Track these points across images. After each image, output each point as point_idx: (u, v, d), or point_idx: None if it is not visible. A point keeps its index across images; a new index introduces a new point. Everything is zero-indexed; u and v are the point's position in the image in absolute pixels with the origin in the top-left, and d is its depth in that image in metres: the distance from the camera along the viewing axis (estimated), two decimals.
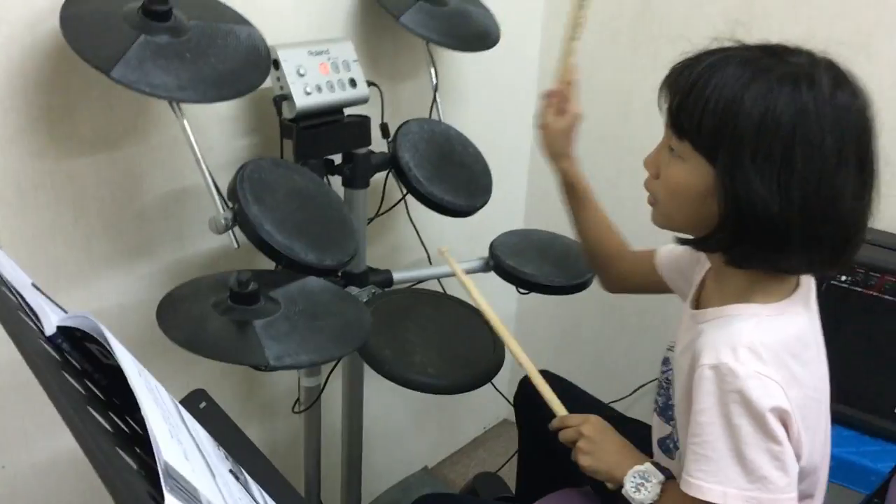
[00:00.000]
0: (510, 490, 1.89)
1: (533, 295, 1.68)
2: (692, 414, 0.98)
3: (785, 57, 0.95)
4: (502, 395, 2.13)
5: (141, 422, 0.54)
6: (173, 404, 0.67)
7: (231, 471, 0.71)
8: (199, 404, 0.98)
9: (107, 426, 0.54)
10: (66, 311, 0.77)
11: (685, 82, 0.96)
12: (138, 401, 0.53)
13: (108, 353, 0.61)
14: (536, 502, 1.45)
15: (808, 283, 1.07)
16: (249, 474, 0.81)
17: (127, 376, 0.55)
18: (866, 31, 1.66)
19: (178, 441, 0.57)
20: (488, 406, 2.46)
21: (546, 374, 1.33)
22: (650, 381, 2.13)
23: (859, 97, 0.94)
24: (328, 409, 1.72)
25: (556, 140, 1.38)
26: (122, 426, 0.60)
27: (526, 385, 1.54)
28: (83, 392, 0.58)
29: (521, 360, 1.28)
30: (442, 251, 1.38)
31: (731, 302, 1.03)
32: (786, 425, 0.94)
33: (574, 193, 1.41)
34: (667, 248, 1.32)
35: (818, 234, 0.94)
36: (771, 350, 0.95)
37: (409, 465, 2.25)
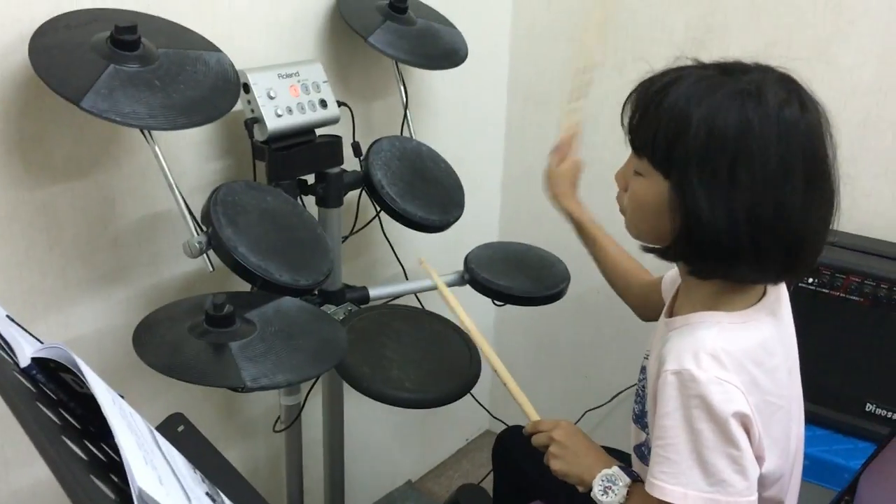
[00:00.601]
0: (492, 502, 1.90)
1: (509, 306, 1.71)
2: (656, 418, 1.00)
3: (739, 74, 0.97)
4: (482, 407, 2.15)
5: (117, 448, 0.56)
6: (148, 430, 0.68)
7: (208, 493, 0.73)
8: (177, 428, 0.99)
9: (81, 454, 0.56)
10: (41, 342, 0.78)
11: (641, 101, 1.00)
12: (112, 428, 0.55)
13: (83, 382, 0.63)
14: None
15: (777, 292, 1.10)
16: (228, 496, 0.82)
17: (100, 405, 0.56)
18: (825, 39, 1.70)
19: (152, 467, 0.58)
20: (469, 417, 2.48)
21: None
22: (628, 388, 2.16)
23: (810, 112, 0.96)
24: (309, 427, 1.73)
25: (558, 183, 1.48)
26: (98, 454, 0.61)
27: (504, 440, 1.60)
28: (58, 422, 0.59)
29: (495, 365, 1.30)
30: (421, 261, 1.41)
31: (698, 310, 1.05)
32: (747, 430, 0.97)
33: (584, 234, 1.47)
34: (670, 273, 1.36)
35: (767, 247, 0.96)
36: (732, 357, 0.97)
37: (392, 479, 2.26)
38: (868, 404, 1.62)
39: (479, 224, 2.24)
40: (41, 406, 0.58)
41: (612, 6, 1.50)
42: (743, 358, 0.99)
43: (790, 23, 1.72)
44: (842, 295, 1.60)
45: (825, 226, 1.00)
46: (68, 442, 0.55)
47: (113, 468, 0.60)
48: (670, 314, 1.15)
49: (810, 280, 1.61)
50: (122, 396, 1.14)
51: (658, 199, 1.00)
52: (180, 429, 0.99)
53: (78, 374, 0.61)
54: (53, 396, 0.66)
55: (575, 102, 1.50)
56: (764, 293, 1.07)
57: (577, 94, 1.50)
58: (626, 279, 1.45)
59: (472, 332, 1.32)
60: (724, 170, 0.93)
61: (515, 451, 1.56)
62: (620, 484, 1.08)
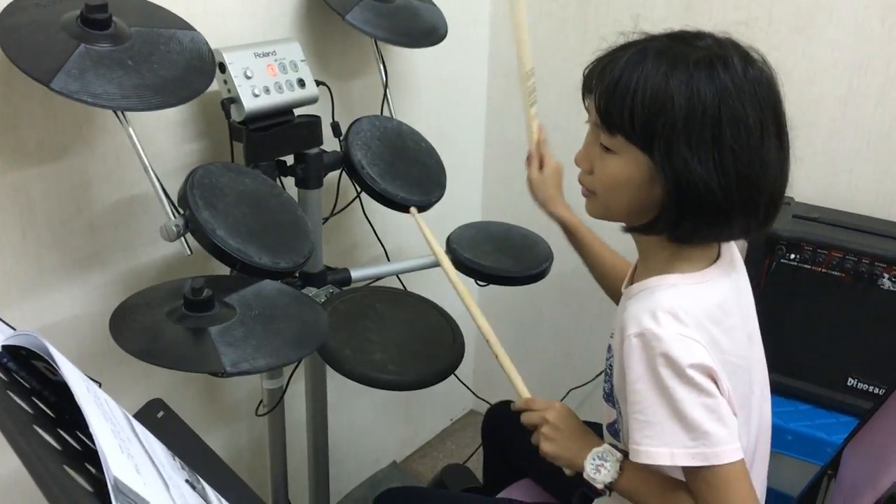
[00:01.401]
0: (478, 480, 1.90)
1: (492, 286, 1.70)
2: (627, 385, 1.01)
3: (692, 42, 1.00)
4: (466, 387, 2.15)
5: (92, 437, 0.54)
6: (124, 417, 0.67)
7: (188, 480, 0.71)
8: (156, 414, 0.98)
9: (54, 444, 0.54)
10: (13, 328, 0.76)
11: (608, 81, 1.00)
12: (86, 417, 0.53)
13: (56, 370, 0.61)
14: (500, 493, 1.47)
15: (730, 253, 1.11)
16: (208, 481, 0.81)
17: (74, 393, 0.55)
18: (806, 13, 1.69)
19: (128, 455, 0.57)
20: (454, 398, 2.48)
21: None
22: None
23: (765, 70, 1.01)
24: (292, 409, 1.72)
25: (542, 188, 1.48)
26: (73, 443, 0.60)
27: (494, 414, 1.59)
28: (30, 411, 0.57)
29: (488, 336, 1.28)
30: (413, 213, 1.40)
31: (653, 275, 1.07)
32: (715, 381, 0.98)
33: (574, 238, 1.47)
34: None
35: (754, 201, 1.00)
36: (691, 314, 0.99)
37: (377, 460, 2.26)
38: (850, 379, 1.63)
39: (462, 204, 2.22)
40: (12, 395, 0.57)
41: (520, 15, 1.52)
42: (701, 316, 1.00)
43: None
44: (823, 270, 1.60)
45: (787, 176, 1.03)
46: (40, 431, 0.54)
47: (89, 457, 0.58)
48: (629, 286, 1.15)
49: (792, 256, 1.61)
50: (99, 384, 1.12)
51: (638, 174, 1.01)
52: (160, 415, 0.98)
53: (50, 361, 0.59)
54: (26, 385, 0.64)
55: (532, 108, 1.53)
56: (718, 255, 1.09)
57: (529, 100, 1.53)
58: (615, 279, 1.44)
59: (465, 296, 1.30)
60: (709, 134, 0.95)
61: (506, 425, 1.55)
62: (612, 459, 1.08)
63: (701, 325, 0.99)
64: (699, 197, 0.97)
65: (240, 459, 1.79)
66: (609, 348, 1.18)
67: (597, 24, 1.98)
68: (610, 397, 1.15)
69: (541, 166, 1.50)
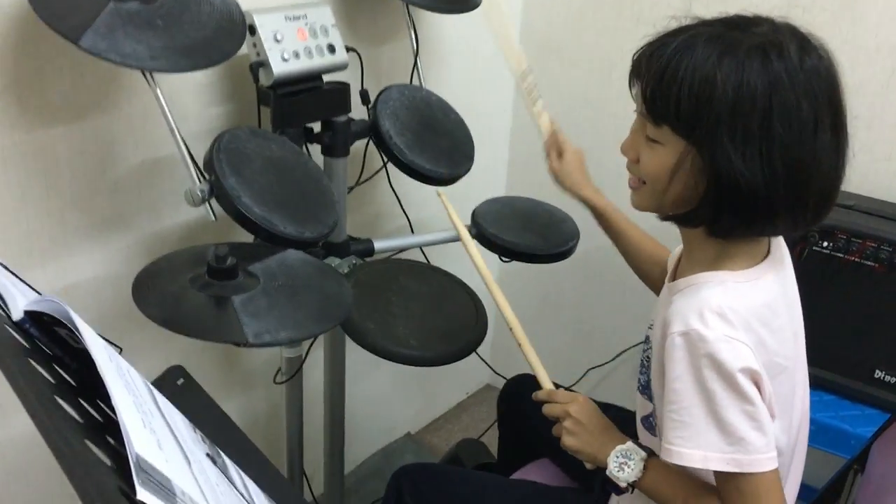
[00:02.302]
0: (492, 456, 1.89)
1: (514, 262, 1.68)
2: (666, 382, 0.98)
3: (748, 28, 0.95)
4: (484, 362, 2.13)
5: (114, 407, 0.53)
6: (147, 388, 0.65)
7: (208, 454, 0.70)
8: (176, 381, 0.97)
9: (76, 416, 0.53)
10: (37, 292, 0.75)
11: (656, 68, 0.96)
12: (108, 390, 0.52)
13: (78, 338, 0.60)
14: (517, 472, 1.45)
15: (780, 251, 1.08)
16: (228, 454, 0.80)
17: (97, 364, 0.53)
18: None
19: (151, 430, 0.55)
20: (470, 372, 2.46)
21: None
22: (632, 347, 2.14)
23: (825, 58, 0.95)
24: (310, 377, 1.72)
25: (567, 175, 1.46)
26: (95, 413, 0.58)
27: (511, 386, 1.56)
28: (52, 380, 0.56)
29: (508, 315, 1.27)
30: (439, 193, 1.38)
31: (701, 271, 1.03)
32: (758, 386, 0.95)
33: (605, 222, 1.45)
34: (676, 250, 1.33)
35: (803, 198, 0.95)
36: (739, 315, 0.96)
37: (391, 431, 2.26)
38: (877, 371, 1.60)
39: (487, 178, 2.19)
40: (33, 363, 0.55)
41: (497, 18, 1.53)
42: (749, 317, 0.97)
43: None
44: (856, 259, 1.56)
45: (844, 171, 0.99)
46: (61, 402, 0.52)
47: (110, 429, 0.57)
48: (673, 279, 1.12)
49: (825, 244, 1.57)
50: (120, 349, 1.11)
51: (679, 165, 0.97)
52: (180, 382, 0.97)
53: (73, 329, 0.58)
54: (48, 351, 0.63)
55: (535, 106, 1.52)
56: (768, 252, 1.05)
57: (531, 97, 1.52)
58: (648, 264, 1.41)
59: (490, 284, 1.28)
60: (756, 127, 0.91)
61: (523, 401, 1.53)
62: (636, 458, 1.06)
63: (749, 325, 0.96)
64: (739, 193, 0.93)
65: (255, 426, 1.79)
66: (647, 339, 1.15)
67: (619, 8, 1.93)
68: (646, 389, 1.13)
69: (560, 155, 1.47)
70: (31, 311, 0.62)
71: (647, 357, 1.14)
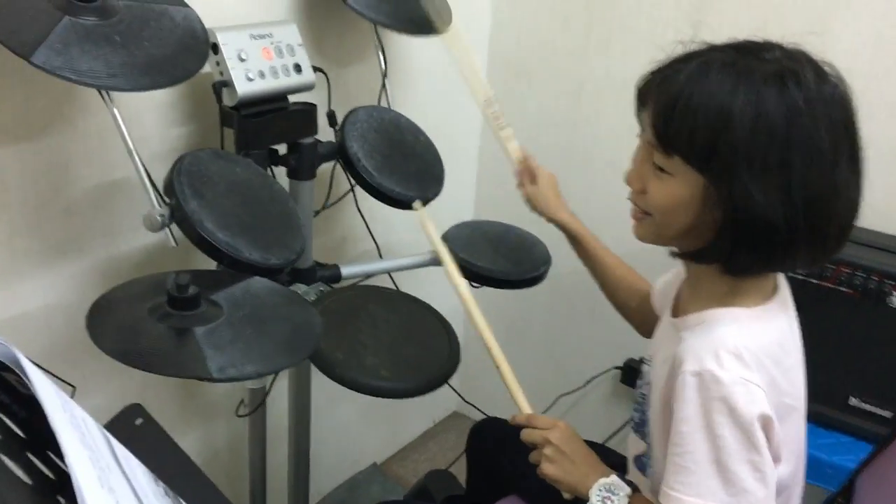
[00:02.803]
0: (461, 487, 1.84)
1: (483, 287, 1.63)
2: (673, 423, 0.94)
3: (760, 54, 0.91)
4: (452, 388, 2.08)
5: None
6: (104, 438, 0.59)
7: None
8: (134, 421, 0.90)
9: (24, 477, 0.47)
10: None
11: (667, 96, 0.91)
12: (62, 446, 0.46)
13: (27, 383, 0.54)
14: None
15: (786, 288, 1.04)
16: (190, 500, 0.74)
17: (49, 418, 0.47)
18: (820, 17, 1.63)
19: (109, 489, 0.49)
20: (437, 399, 2.39)
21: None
22: (603, 372, 2.11)
23: (840, 85, 0.92)
24: (273, 408, 1.64)
25: (542, 199, 1.43)
26: (45, 469, 0.52)
27: (480, 430, 1.52)
28: None
29: (488, 341, 1.23)
30: (416, 208, 1.32)
31: (711, 307, 0.99)
32: (768, 433, 0.92)
33: (581, 247, 1.41)
34: (660, 281, 1.30)
35: (822, 232, 0.92)
36: (754, 354, 0.92)
37: (357, 462, 2.19)
38: (852, 398, 1.59)
39: (455, 201, 2.15)
40: None
41: (459, 47, 1.51)
42: (763, 356, 0.93)
43: (784, 1, 1.66)
44: (830, 286, 1.55)
45: (860, 203, 0.95)
46: (7, 461, 0.46)
47: (62, 488, 0.51)
48: (676, 314, 1.08)
49: (799, 270, 1.56)
50: (73, 388, 1.04)
51: (693, 198, 0.93)
52: (138, 422, 0.90)
53: (22, 375, 0.52)
54: None
55: (502, 131, 1.50)
56: (776, 287, 1.01)
57: (497, 125, 1.50)
58: (626, 293, 1.38)
59: (469, 305, 1.24)
60: (775, 158, 0.87)
61: (492, 442, 1.49)
62: (621, 494, 1.02)
63: (762, 365, 0.92)
64: (758, 229, 0.89)
65: (216, 460, 1.71)
66: (642, 375, 1.11)
67: (601, 20, 1.91)
68: (640, 427, 1.09)
69: (532, 180, 1.45)
70: None
71: (643, 394, 1.10)
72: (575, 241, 1.41)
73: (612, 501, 1.02)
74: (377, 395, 1.22)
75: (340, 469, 2.13)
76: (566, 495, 1.10)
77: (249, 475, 1.58)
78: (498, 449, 1.43)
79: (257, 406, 1.45)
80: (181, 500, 0.68)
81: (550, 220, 1.42)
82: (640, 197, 1.01)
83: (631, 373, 2.05)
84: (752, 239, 0.91)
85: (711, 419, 0.89)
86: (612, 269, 1.38)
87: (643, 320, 1.38)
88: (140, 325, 1.00)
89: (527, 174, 1.46)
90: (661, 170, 0.95)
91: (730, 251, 0.93)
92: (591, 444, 1.37)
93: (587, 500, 1.04)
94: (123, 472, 0.57)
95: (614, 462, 1.15)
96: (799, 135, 0.87)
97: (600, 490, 1.03)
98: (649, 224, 1.01)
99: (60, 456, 0.56)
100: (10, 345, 0.53)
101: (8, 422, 0.54)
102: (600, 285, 1.41)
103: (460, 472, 2.06)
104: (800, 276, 1.56)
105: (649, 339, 1.41)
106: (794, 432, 1.00)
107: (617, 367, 2.10)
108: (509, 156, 1.50)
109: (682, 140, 0.91)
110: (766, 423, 0.90)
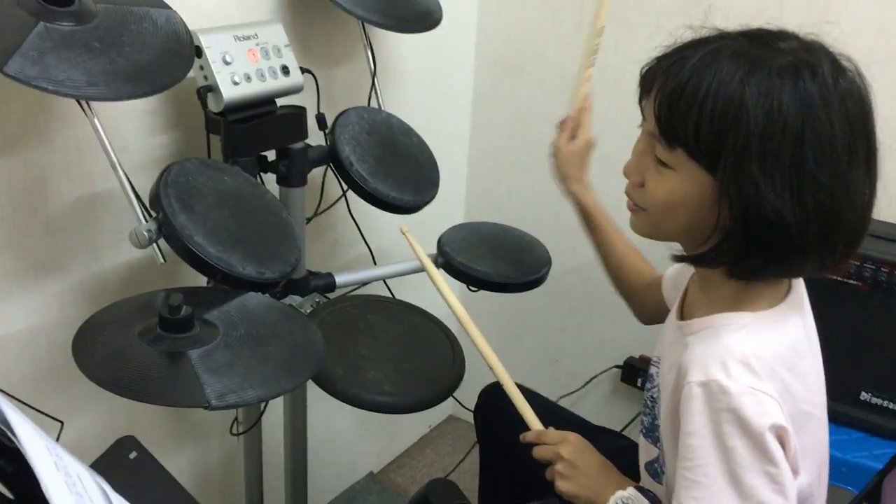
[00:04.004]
0: (465, 497, 1.78)
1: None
2: (681, 436, 0.89)
3: (775, 44, 0.86)
4: None
5: None
6: (99, 491, 0.53)
7: None
8: (128, 454, 0.84)
9: None
10: None
11: (672, 84, 0.86)
12: None
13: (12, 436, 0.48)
14: None
15: (799, 287, 0.99)
16: None
17: (40, 480, 0.41)
18: (821, 5, 1.59)
19: None
20: None
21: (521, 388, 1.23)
22: (602, 372, 2.07)
23: (858, 81, 0.87)
24: (268, 422, 1.58)
25: (567, 163, 1.34)
26: None
27: (488, 395, 1.44)
28: None
29: (491, 361, 1.17)
30: (403, 231, 1.26)
31: (719, 311, 0.94)
32: (783, 443, 0.87)
33: (590, 222, 1.34)
34: (670, 270, 1.25)
35: (834, 235, 0.86)
36: (764, 362, 0.87)
37: (353, 472, 2.13)
38: (863, 393, 1.55)
39: (445, 202, 2.09)
40: None
41: None
42: (774, 363, 0.88)
43: None
44: (839, 279, 1.51)
45: (873, 205, 0.91)
46: None
47: None
48: (682, 316, 1.03)
49: None
50: (62, 423, 0.98)
51: (697, 195, 0.88)
52: (132, 455, 0.84)
53: (8, 431, 0.46)
54: None
55: (588, 69, 1.37)
56: (789, 289, 0.97)
57: (588, 59, 1.37)
58: (631, 278, 1.32)
59: (465, 322, 1.17)
60: (787, 156, 0.82)
61: (504, 409, 1.41)
62: None
63: (774, 373, 0.87)
64: (769, 230, 0.84)
65: (210, 478, 1.65)
66: (650, 378, 1.06)
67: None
68: (650, 433, 1.04)
69: (571, 138, 1.35)
70: None
71: (652, 397, 1.05)
72: (586, 215, 1.34)
73: None
74: (380, 412, 1.18)
75: (337, 480, 2.08)
76: None
77: (246, 493, 1.53)
78: (510, 417, 1.33)
79: (252, 425, 1.39)
80: None
81: (564, 187, 1.35)
82: (637, 191, 0.96)
83: (631, 371, 2.01)
84: (761, 242, 0.86)
85: (721, 430, 0.85)
86: (619, 251, 1.32)
87: (642, 305, 1.34)
88: (130, 350, 0.94)
89: (572, 127, 1.36)
90: (663, 163, 0.90)
91: (736, 255, 0.88)
92: (608, 432, 1.32)
93: None
94: None
95: (633, 460, 1.10)
96: (813, 132, 0.82)
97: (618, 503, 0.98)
98: (643, 218, 0.97)
99: None
100: None
101: None
102: (604, 264, 1.36)
103: (460, 478, 2.01)
104: None
105: (646, 325, 1.37)
106: (814, 441, 0.95)
107: (617, 366, 2.05)
108: (575, 94, 1.38)
109: (686, 132, 0.85)
110: (780, 434, 0.86)
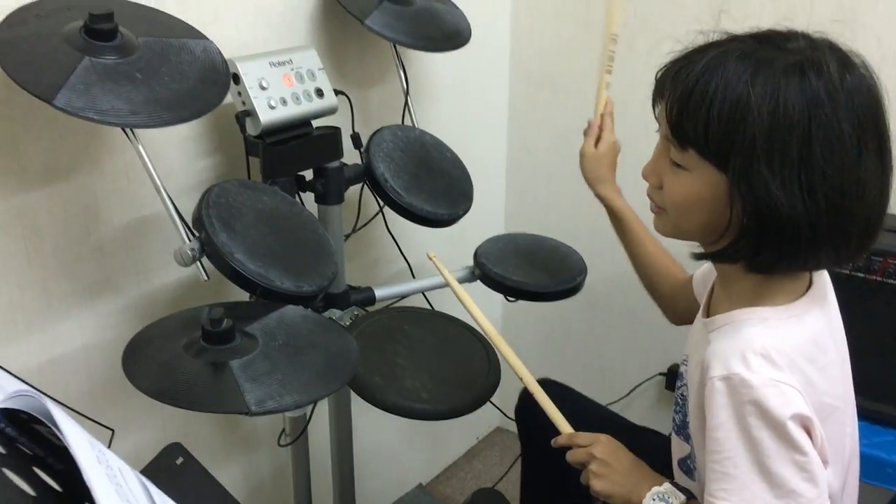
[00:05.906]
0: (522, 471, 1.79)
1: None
2: (707, 430, 0.91)
3: (783, 44, 0.89)
4: (493, 405, 2.05)
5: None
6: (142, 487, 0.58)
7: None
8: (175, 460, 0.89)
9: None
10: (20, 379, 0.68)
11: (682, 87, 0.89)
12: None
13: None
14: None
15: (823, 281, 1.01)
16: None
17: (83, 473, 0.46)
18: (849, 5, 1.59)
19: None
20: (479, 416, 2.36)
21: (544, 383, 1.26)
22: (645, 381, 2.07)
23: (867, 75, 0.89)
24: (315, 434, 1.63)
25: (594, 166, 1.39)
26: None
27: (527, 397, 1.46)
28: (31, 493, 0.48)
29: (520, 372, 1.20)
30: (430, 256, 1.30)
31: (739, 306, 0.96)
32: (809, 432, 0.88)
33: (619, 224, 1.38)
34: (700, 270, 1.27)
35: (846, 228, 0.88)
36: (784, 355, 0.89)
37: (402, 483, 2.16)
38: None
39: (484, 215, 2.13)
40: (8, 473, 0.48)
41: None
42: (795, 355, 0.90)
43: None
44: (878, 279, 1.50)
45: (888, 198, 0.92)
46: None
47: None
48: (707, 314, 1.05)
49: None
50: (112, 431, 1.03)
51: (710, 194, 0.90)
52: (179, 461, 0.89)
53: (54, 428, 0.51)
54: (28, 451, 0.55)
55: (607, 75, 1.42)
56: (810, 283, 0.98)
57: (607, 66, 1.41)
58: (661, 278, 1.35)
59: (493, 336, 1.21)
60: (795, 152, 0.84)
61: (541, 411, 1.43)
62: (676, 502, 0.99)
63: (795, 365, 0.89)
64: (780, 225, 0.86)
65: (261, 490, 1.70)
66: (680, 376, 1.08)
67: (623, 25, 1.88)
68: (682, 430, 1.06)
69: (597, 142, 1.39)
70: (5, 409, 0.54)
71: (682, 395, 1.07)
72: (616, 218, 1.37)
73: None
74: (418, 418, 1.21)
75: (386, 492, 2.11)
76: None
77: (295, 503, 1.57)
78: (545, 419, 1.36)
79: (299, 435, 1.44)
80: None
81: (594, 189, 1.39)
82: (657, 192, 0.99)
83: (675, 378, 2.01)
84: (773, 237, 0.88)
85: (746, 422, 0.87)
86: (650, 253, 1.35)
87: (673, 306, 1.36)
88: (175, 362, 0.99)
89: (596, 131, 1.41)
90: (677, 165, 0.93)
91: (752, 250, 0.90)
92: (652, 433, 1.33)
93: None
94: None
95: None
96: (820, 128, 0.84)
97: (654, 499, 1.00)
98: (665, 219, 1.00)
99: None
100: (41, 397, 0.52)
101: (44, 476, 0.53)
102: (634, 266, 1.39)
103: (507, 488, 2.03)
104: (846, 271, 1.51)
105: (677, 325, 1.38)
106: (837, 433, 0.96)
107: (661, 374, 2.06)
108: (597, 100, 1.43)
109: (696, 133, 0.88)
110: (805, 423, 0.87)
